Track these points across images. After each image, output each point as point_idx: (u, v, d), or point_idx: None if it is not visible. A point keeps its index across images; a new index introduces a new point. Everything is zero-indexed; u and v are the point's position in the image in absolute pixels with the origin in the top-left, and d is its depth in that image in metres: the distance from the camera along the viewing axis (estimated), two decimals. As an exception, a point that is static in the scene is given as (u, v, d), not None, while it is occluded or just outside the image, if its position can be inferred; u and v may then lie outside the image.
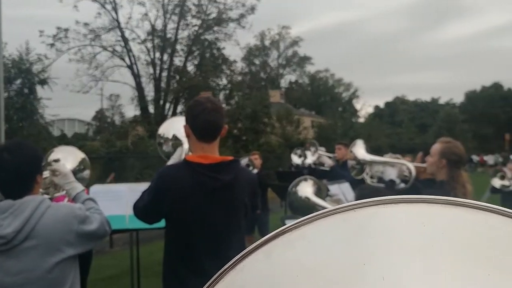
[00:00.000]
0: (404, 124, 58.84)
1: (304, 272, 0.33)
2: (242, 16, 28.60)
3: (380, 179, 3.84)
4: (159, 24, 27.77)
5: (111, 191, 3.94)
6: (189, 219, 2.09)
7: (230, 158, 2.19)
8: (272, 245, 0.35)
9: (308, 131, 34.02)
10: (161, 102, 27.48)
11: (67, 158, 2.57)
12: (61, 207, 1.90)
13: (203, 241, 2.08)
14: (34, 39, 23.27)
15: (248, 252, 0.35)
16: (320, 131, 34.91)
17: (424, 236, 0.34)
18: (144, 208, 2.16)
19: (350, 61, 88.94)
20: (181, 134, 2.35)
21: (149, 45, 27.76)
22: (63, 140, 21.37)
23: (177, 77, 28.06)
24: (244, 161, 6.70)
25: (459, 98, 73.11)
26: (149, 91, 27.65)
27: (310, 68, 56.76)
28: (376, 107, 68.95)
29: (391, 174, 3.73)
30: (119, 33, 26.72)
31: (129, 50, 27.18)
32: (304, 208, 3.03)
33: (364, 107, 69.35)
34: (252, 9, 28.41)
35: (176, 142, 2.77)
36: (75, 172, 2.48)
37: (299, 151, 7.92)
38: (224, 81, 30.01)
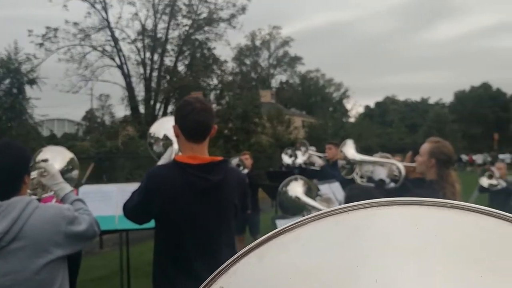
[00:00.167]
0: (394, 124, 59.26)
1: (298, 275, 0.33)
2: (232, 16, 28.66)
3: (370, 179, 3.85)
4: (149, 24, 27.74)
5: (100, 191, 3.92)
6: (179, 219, 2.08)
7: (220, 158, 2.19)
8: (265, 248, 0.35)
9: (299, 131, 34.10)
10: (152, 102, 27.42)
11: (56, 158, 2.54)
12: (49, 207, 1.88)
13: (193, 242, 2.07)
14: (23, 39, 23.13)
15: (241, 255, 0.35)
16: (311, 131, 35.03)
17: (417, 238, 0.34)
18: (134, 209, 2.15)
19: (341, 61, 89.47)
20: (172, 134, 2.34)
21: (139, 45, 27.72)
22: (53, 140, 21.20)
23: (168, 77, 28.02)
24: (234, 161, 6.70)
25: (448, 98, 73.98)
26: (140, 91, 27.62)
27: (301, 68, 57.10)
28: (367, 107, 69.40)
29: (381, 173, 3.75)
30: (109, 33, 26.65)
31: (119, 50, 27.09)
32: (294, 208, 3.04)
33: (355, 107, 69.86)
34: (243, 9, 28.47)
35: (167, 142, 2.76)
36: (64, 172, 2.46)
37: (289, 151, 7.92)
38: (214, 81, 30.05)
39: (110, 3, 26.29)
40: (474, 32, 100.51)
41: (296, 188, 3.05)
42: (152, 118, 22.57)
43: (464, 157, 37.94)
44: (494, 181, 6.58)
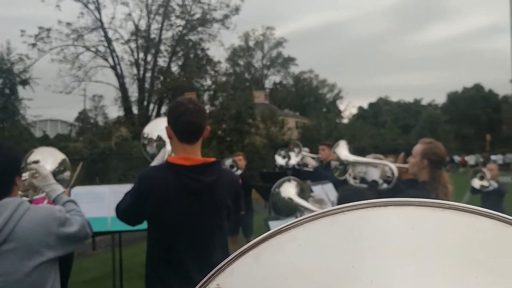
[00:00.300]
0: (387, 124, 59.49)
1: (294, 275, 0.33)
2: (226, 16, 28.66)
3: (363, 180, 3.86)
4: (142, 24, 27.67)
5: (93, 192, 3.90)
6: (172, 220, 2.07)
7: (212, 159, 2.18)
8: (261, 248, 0.35)
9: (293, 132, 34.17)
10: (145, 103, 27.35)
11: (47, 159, 2.52)
12: (40, 209, 1.86)
13: (186, 243, 2.07)
14: (15, 39, 23.03)
15: (238, 255, 0.35)
16: (304, 132, 35.08)
17: (413, 239, 0.34)
18: (126, 210, 2.14)
19: (334, 62, 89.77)
20: (166, 135, 2.34)
21: (133, 45, 27.64)
22: (45, 141, 21.07)
23: (161, 77, 27.97)
24: (228, 162, 6.70)
25: (441, 99, 74.42)
26: (133, 92, 27.55)
27: (294, 69, 57.23)
28: (360, 108, 69.65)
29: (373, 174, 3.76)
30: (102, 33, 26.56)
31: (112, 51, 27.01)
32: (287, 209, 3.04)
33: (348, 108, 69.95)
34: (236, 9, 28.49)
35: (160, 143, 2.76)
36: (55, 173, 2.44)
37: (283, 152, 7.93)
38: (208, 81, 30.03)
39: (103, 3, 26.24)
40: (466, 34, 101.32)
41: (289, 189, 3.05)
42: (145, 119, 22.54)
43: (457, 158, 38.16)
44: (485, 183, 6.62)
